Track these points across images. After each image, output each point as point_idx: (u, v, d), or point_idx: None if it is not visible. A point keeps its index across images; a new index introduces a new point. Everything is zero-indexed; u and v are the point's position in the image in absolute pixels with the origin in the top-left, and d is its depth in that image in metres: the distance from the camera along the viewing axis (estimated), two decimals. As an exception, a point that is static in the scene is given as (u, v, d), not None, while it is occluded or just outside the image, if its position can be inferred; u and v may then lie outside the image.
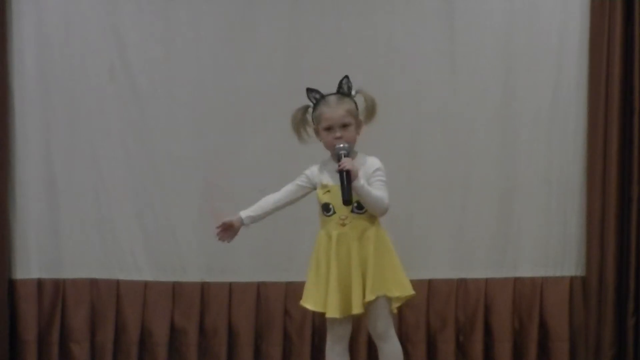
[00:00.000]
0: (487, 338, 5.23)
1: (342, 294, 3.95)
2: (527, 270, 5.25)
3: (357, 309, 3.93)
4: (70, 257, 5.29)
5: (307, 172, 4.10)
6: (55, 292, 5.28)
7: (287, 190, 4.12)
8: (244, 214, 4.10)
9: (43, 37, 5.27)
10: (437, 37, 5.24)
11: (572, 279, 5.24)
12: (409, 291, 4.03)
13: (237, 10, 5.28)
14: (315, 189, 4.08)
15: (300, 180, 4.10)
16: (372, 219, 4.00)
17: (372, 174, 3.98)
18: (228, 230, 4.11)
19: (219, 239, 4.12)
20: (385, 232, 4.03)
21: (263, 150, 5.25)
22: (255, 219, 4.13)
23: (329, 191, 4.01)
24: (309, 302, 4.06)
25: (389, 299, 3.98)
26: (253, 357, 5.24)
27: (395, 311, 4.04)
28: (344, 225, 3.98)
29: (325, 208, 4.02)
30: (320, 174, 4.06)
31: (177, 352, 5.26)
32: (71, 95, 5.28)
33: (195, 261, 5.29)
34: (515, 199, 5.24)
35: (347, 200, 3.87)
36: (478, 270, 5.25)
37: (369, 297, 3.92)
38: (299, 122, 4.10)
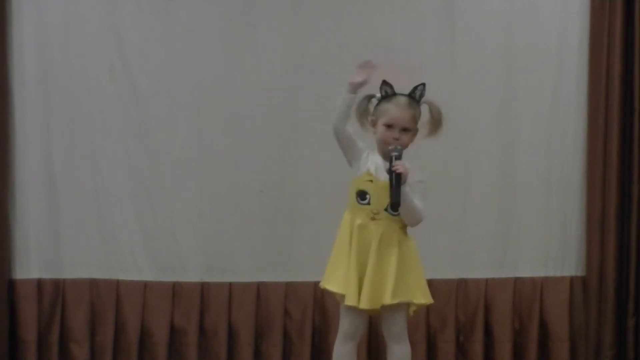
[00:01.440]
0: (487, 338, 5.23)
1: (359, 284, 3.91)
2: (527, 270, 5.25)
3: (364, 304, 3.84)
4: (70, 257, 5.28)
5: (365, 147, 3.99)
6: (55, 292, 5.28)
7: (349, 130, 3.96)
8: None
9: (43, 37, 5.26)
10: (437, 37, 5.24)
11: (572, 279, 5.24)
12: (430, 299, 4.03)
13: (237, 10, 5.28)
14: (354, 157, 3.99)
15: (356, 144, 3.98)
16: (401, 224, 3.96)
17: (415, 183, 3.96)
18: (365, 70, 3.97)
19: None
20: (414, 241, 4.00)
21: (263, 150, 5.25)
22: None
23: (371, 180, 3.95)
24: (330, 283, 3.98)
25: (408, 304, 3.97)
26: (253, 357, 5.24)
27: (412, 314, 4.03)
28: (373, 219, 3.94)
29: (362, 196, 3.96)
30: (368, 161, 4.00)
31: (177, 352, 5.26)
32: (71, 95, 5.28)
33: (195, 261, 5.29)
34: (515, 199, 5.24)
35: (395, 204, 3.84)
36: (478, 270, 5.25)
37: (390, 300, 3.87)
38: (364, 111, 4.05)
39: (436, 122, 4.04)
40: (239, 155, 5.26)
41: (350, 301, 3.90)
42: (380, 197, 3.89)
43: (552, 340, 5.21)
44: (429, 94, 5.23)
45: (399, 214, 3.94)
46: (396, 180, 3.83)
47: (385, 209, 3.92)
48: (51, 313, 5.27)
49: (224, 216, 5.27)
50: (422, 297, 3.99)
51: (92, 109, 5.28)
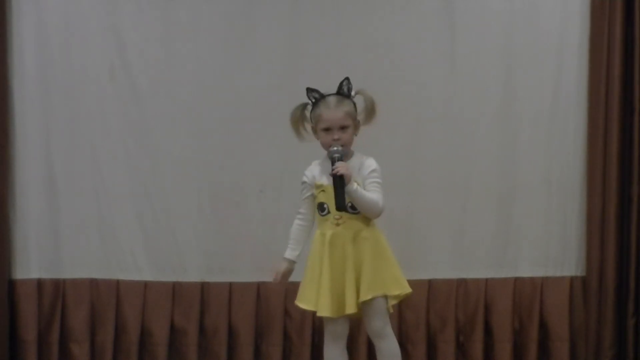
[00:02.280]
0: (487, 338, 5.23)
1: (335, 293, 3.97)
2: (527, 270, 5.25)
3: (350, 309, 3.96)
4: (70, 257, 5.29)
5: (305, 178, 4.12)
6: (55, 292, 5.28)
7: (305, 211, 4.14)
8: (291, 255, 4.15)
9: (43, 37, 5.26)
10: (437, 37, 5.24)
11: (572, 279, 5.24)
12: (407, 289, 4.06)
13: (237, 10, 5.28)
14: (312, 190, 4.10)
15: (306, 192, 4.11)
16: (367, 219, 4.01)
17: (367, 175, 3.99)
18: (286, 277, 4.17)
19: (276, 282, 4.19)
20: (381, 232, 4.04)
21: (263, 150, 5.25)
22: (299, 254, 4.16)
23: (323, 191, 4.03)
24: (303, 301, 4.09)
25: (386, 298, 3.99)
26: (253, 357, 5.24)
27: (391, 310, 4.06)
28: (338, 225, 4.00)
29: (321, 208, 4.04)
30: (315, 173, 4.08)
31: (177, 352, 5.26)
32: (71, 95, 5.28)
33: (195, 261, 5.29)
34: (515, 199, 5.24)
35: (340, 206, 3.89)
36: (478, 270, 5.25)
37: (364, 296, 3.94)
38: (298, 120, 4.12)
39: (369, 110, 4.07)
40: (239, 155, 5.26)
41: (324, 312, 3.98)
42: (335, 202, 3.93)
43: (552, 340, 5.20)
44: (429, 94, 5.27)
45: (359, 211, 3.97)
46: (340, 182, 3.86)
47: (346, 211, 3.96)
48: (51, 313, 5.27)
49: (224, 216, 5.27)
50: (397, 289, 4.01)
51: (92, 109, 5.29)
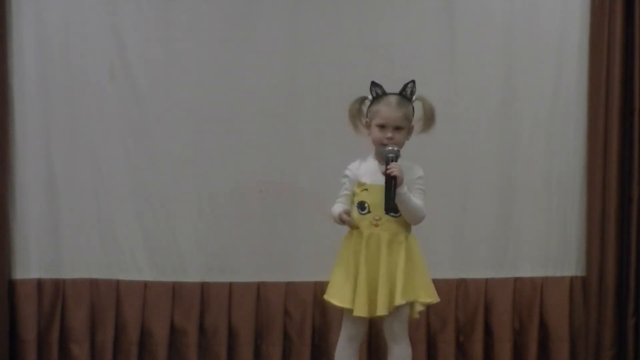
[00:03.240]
0: (487, 338, 5.23)
1: (369, 294, 3.95)
2: (527, 270, 5.25)
3: (382, 311, 3.93)
4: (70, 257, 5.28)
5: (347, 172, 4.08)
6: (55, 292, 5.28)
7: (346, 202, 4.08)
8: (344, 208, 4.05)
9: (43, 37, 5.26)
10: (437, 37, 5.24)
11: (572, 279, 5.24)
12: (436, 298, 4.07)
13: (237, 11, 5.28)
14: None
15: (346, 187, 4.08)
16: (405, 223, 4.00)
17: (415, 180, 3.99)
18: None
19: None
20: (416, 238, 4.03)
21: (263, 150, 5.25)
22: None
23: (366, 189, 4.00)
24: (335, 298, 4.04)
25: (411, 304, 3.99)
26: (253, 357, 5.24)
27: (417, 316, 4.06)
28: (376, 225, 3.98)
29: (361, 206, 4.01)
30: (358, 171, 4.05)
31: (177, 352, 5.26)
32: (71, 95, 5.28)
33: (195, 261, 5.29)
34: (515, 199, 5.24)
35: (389, 208, 3.87)
36: (478, 270, 5.25)
37: (399, 301, 3.92)
38: (356, 113, 4.09)
39: (428, 118, 4.08)
40: (239, 155, 5.26)
41: (359, 312, 3.95)
42: (378, 202, 3.91)
43: (552, 340, 5.21)
44: (429, 94, 5.26)
45: (400, 215, 3.96)
46: (391, 183, 3.85)
47: (386, 213, 3.94)
48: (51, 313, 5.27)
49: (224, 216, 5.27)
50: (427, 296, 4.02)
51: (92, 109, 5.28)
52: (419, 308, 4.03)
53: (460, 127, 5.23)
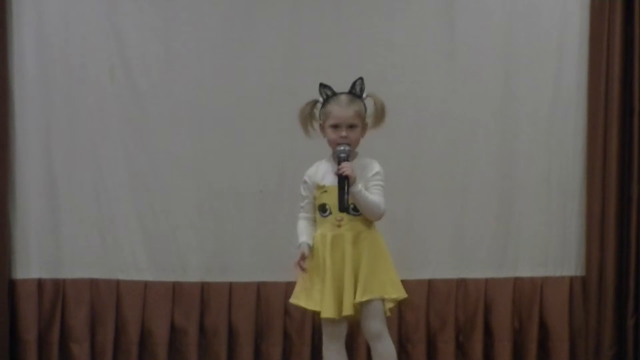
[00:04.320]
0: (487, 338, 5.23)
1: (336, 295, 3.96)
2: (527, 270, 5.25)
3: (347, 310, 3.95)
4: (70, 257, 5.29)
5: (306, 178, 4.10)
6: (55, 292, 5.28)
7: (306, 213, 4.10)
8: (305, 239, 4.07)
9: (43, 37, 5.26)
10: (437, 37, 5.24)
11: (572, 279, 5.24)
12: (403, 294, 4.05)
13: (237, 10, 5.28)
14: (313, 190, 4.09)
15: (306, 192, 4.09)
16: (368, 221, 4.01)
17: (370, 177, 3.99)
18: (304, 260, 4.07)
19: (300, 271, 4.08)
20: (381, 235, 4.04)
21: (263, 150, 5.25)
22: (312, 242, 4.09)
23: (325, 191, 4.02)
24: (302, 300, 4.07)
25: (383, 301, 3.99)
26: (253, 357, 5.24)
27: (389, 313, 4.05)
28: (339, 226, 3.99)
29: (322, 209, 4.04)
30: (317, 174, 4.07)
31: (177, 352, 5.26)
32: (71, 95, 5.28)
33: (195, 261, 5.29)
34: (515, 199, 5.24)
35: (344, 208, 3.89)
36: (478, 270, 5.25)
37: (360, 298, 3.94)
38: (307, 116, 4.10)
39: (379, 114, 4.07)
40: (239, 155, 5.26)
41: (327, 314, 3.97)
42: (337, 203, 3.92)
43: (552, 340, 5.21)
44: (429, 94, 5.27)
45: (360, 213, 3.97)
46: (343, 183, 3.86)
47: (348, 212, 3.95)
48: (51, 313, 5.27)
49: (224, 216, 5.27)
50: (394, 292, 4.01)
51: (92, 109, 5.29)
52: (388, 305, 4.03)
53: (460, 127, 5.23)
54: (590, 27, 5.16)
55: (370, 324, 4.01)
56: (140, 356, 5.25)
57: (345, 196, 3.88)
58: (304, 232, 4.09)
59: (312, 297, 4.04)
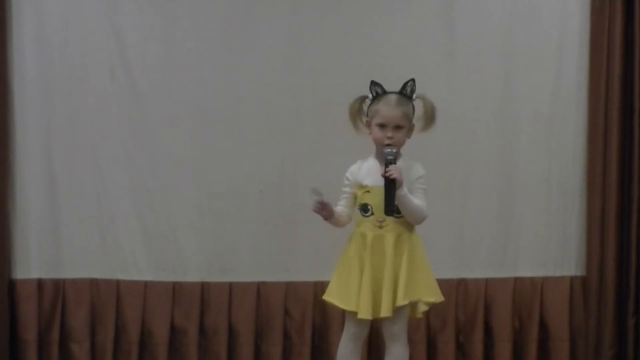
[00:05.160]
0: (487, 338, 5.23)
1: (374, 296, 3.94)
2: (527, 270, 5.25)
3: (386, 312, 3.92)
4: (70, 257, 5.28)
5: (348, 174, 4.07)
6: (55, 292, 5.28)
7: (346, 204, 4.07)
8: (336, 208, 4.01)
9: (43, 37, 5.26)
10: (437, 37, 5.24)
11: (572, 279, 5.24)
12: (441, 297, 4.07)
13: (237, 10, 5.27)
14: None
15: (347, 189, 4.07)
16: (408, 224, 4.00)
17: (415, 180, 3.98)
18: (324, 210, 3.97)
19: (314, 209, 3.98)
20: (419, 238, 4.03)
21: (263, 150, 5.25)
22: (335, 219, 4.03)
23: (368, 191, 3.99)
24: (337, 299, 4.03)
25: (412, 304, 3.99)
26: (253, 357, 5.24)
27: (421, 315, 4.05)
28: (381, 227, 3.97)
29: (364, 209, 4.00)
30: (359, 173, 4.05)
31: (177, 352, 5.26)
32: (71, 95, 5.28)
33: (195, 261, 5.29)
34: (515, 199, 5.24)
35: (389, 211, 3.87)
36: (478, 270, 5.25)
37: (401, 301, 3.92)
38: (356, 112, 4.07)
39: (429, 117, 4.07)
40: (239, 155, 5.26)
41: (364, 314, 3.93)
42: (381, 203, 3.91)
43: (552, 340, 5.21)
44: (429, 94, 5.25)
45: (402, 215, 3.96)
46: (390, 186, 3.85)
47: (386, 215, 3.94)
48: (51, 313, 5.27)
49: (224, 216, 5.27)
50: (431, 295, 4.01)
51: (92, 108, 5.28)
52: (422, 308, 4.03)
53: (460, 127, 5.23)
54: (590, 27, 5.16)
55: (393, 325, 4.00)
56: (140, 356, 5.25)
57: (392, 200, 3.86)
58: (338, 209, 4.00)
59: (347, 297, 3.99)
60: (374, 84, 4.06)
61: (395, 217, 3.96)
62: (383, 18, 5.24)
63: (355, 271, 3.97)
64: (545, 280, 5.24)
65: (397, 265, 3.94)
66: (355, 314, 3.96)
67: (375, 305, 3.95)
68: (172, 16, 5.28)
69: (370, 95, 4.07)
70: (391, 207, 3.87)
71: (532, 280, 5.24)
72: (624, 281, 5.14)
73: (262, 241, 5.23)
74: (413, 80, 4.06)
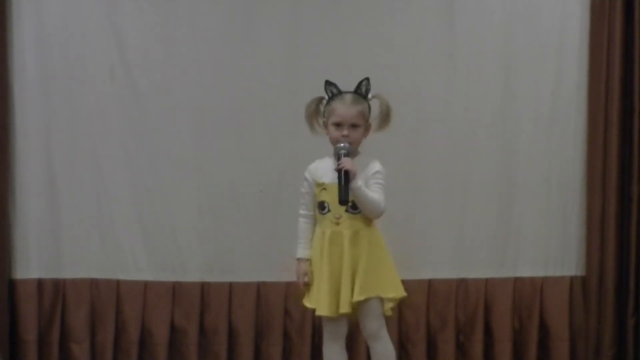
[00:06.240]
0: (487, 338, 5.23)
1: (333, 293, 3.97)
2: (527, 270, 5.25)
3: (344, 309, 3.96)
4: (70, 257, 5.29)
5: (306, 174, 4.13)
6: (55, 292, 5.28)
7: (307, 211, 4.14)
8: (305, 254, 4.13)
9: (43, 37, 5.26)
10: (437, 37, 5.24)
11: (572, 279, 5.24)
12: (402, 292, 4.07)
13: (237, 10, 5.28)
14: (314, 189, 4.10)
15: (306, 191, 4.11)
16: (367, 219, 4.02)
17: (371, 176, 4.00)
18: (309, 277, 4.11)
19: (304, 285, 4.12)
20: (380, 234, 4.04)
21: (263, 150, 5.25)
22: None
23: (324, 189, 4.03)
24: (307, 299, 4.11)
25: (381, 300, 4.00)
26: (253, 357, 5.24)
27: (390, 313, 4.06)
28: (338, 224, 4.01)
29: (321, 206, 4.05)
30: (317, 172, 4.09)
31: (177, 352, 5.26)
32: (71, 95, 5.28)
33: (195, 261, 5.29)
34: (515, 199, 5.24)
35: (343, 200, 3.90)
36: (478, 270, 5.25)
37: (358, 297, 3.95)
38: (313, 113, 4.13)
39: (384, 116, 4.09)
40: (239, 155, 5.26)
41: (322, 311, 3.99)
42: (337, 200, 3.93)
43: (552, 340, 5.21)
44: (429, 94, 5.27)
45: (359, 211, 3.97)
46: (345, 178, 3.87)
47: (347, 210, 3.96)
48: (51, 313, 5.27)
49: (224, 216, 5.27)
50: (392, 291, 4.01)
51: (92, 109, 5.29)
52: (388, 304, 4.04)
53: (460, 127, 5.23)
54: (590, 27, 5.16)
55: (367, 324, 4.02)
56: (140, 356, 5.25)
57: (346, 191, 3.88)
58: (302, 239, 4.12)
59: (311, 296, 4.05)
60: (328, 84, 4.10)
61: (352, 213, 3.98)
62: (383, 18, 5.24)
63: (317, 269, 4.01)
64: (545, 280, 5.23)
65: (355, 262, 3.96)
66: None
67: (338, 302, 3.98)
68: (172, 16, 5.28)
69: (327, 96, 4.09)
70: (345, 197, 3.89)
71: (532, 280, 5.24)
72: (624, 281, 5.14)
73: (262, 241, 5.23)
74: (367, 79, 4.09)
